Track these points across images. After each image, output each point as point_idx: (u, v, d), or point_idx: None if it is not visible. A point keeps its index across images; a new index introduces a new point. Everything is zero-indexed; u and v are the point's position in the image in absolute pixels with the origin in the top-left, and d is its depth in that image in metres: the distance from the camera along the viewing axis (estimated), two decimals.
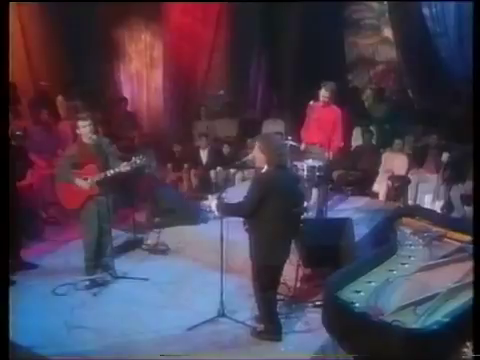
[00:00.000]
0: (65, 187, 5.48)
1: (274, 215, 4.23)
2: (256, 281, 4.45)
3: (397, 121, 9.42)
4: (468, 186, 7.53)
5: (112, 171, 5.49)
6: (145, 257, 6.12)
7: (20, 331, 4.45)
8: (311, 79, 10.35)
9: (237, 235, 5.89)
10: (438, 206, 7.51)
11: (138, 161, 5.49)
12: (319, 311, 4.86)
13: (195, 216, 6.35)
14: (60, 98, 8.68)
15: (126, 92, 10.36)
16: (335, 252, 5.19)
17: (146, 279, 5.51)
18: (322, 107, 6.37)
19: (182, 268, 5.85)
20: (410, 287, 4.21)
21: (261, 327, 4.62)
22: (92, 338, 4.48)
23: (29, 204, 6.65)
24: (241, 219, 4.63)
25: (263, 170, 4.35)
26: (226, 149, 8.88)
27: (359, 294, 4.10)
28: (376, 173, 8.30)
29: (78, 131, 5.46)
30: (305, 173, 6.04)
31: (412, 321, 3.72)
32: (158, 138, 9.53)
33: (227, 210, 4.48)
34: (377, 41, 11.22)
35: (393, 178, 8.05)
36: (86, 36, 9.52)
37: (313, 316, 4.91)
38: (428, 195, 7.75)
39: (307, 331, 4.69)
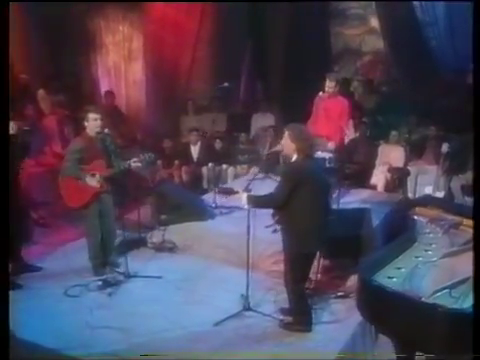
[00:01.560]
0: (70, 184, 5.58)
1: (306, 204, 4.51)
2: (289, 272, 4.72)
3: (390, 113, 9.87)
4: (469, 176, 8.02)
5: (122, 167, 5.65)
6: (152, 256, 6.31)
7: (41, 334, 4.64)
8: (297, 71, 10.87)
9: (251, 230, 6.23)
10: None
11: (147, 158, 5.68)
12: (343, 302, 5.26)
13: (202, 212, 6.57)
14: (42, 92, 8.73)
15: (103, 86, 10.47)
16: (355, 242, 5.52)
17: (159, 277, 5.69)
18: (329, 98, 6.73)
19: (193, 265, 6.07)
20: (439, 272, 4.55)
21: (289, 319, 4.89)
22: (120, 338, 4.65)
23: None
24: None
25: (292, 160, 4.61)
26: (218, 144, 9.10)
27: (392, 280, 4.41)
28: (373, 166, 8.71)
29: (86, 123, 5.58)
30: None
31: (451, 303, 4.05)
32: (145, 134, 9.69)
33: (259, 202, 4.74)
34: (364, 31, 11.69)
35: (392, 170, 8.47)
36: (62, 27, 9.60)
37: (337, 307, 5.25)
38: (428, 187, 8.17)
39: (335, 321, 4.98)
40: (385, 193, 7.96)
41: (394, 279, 4.44)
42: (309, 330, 4.78)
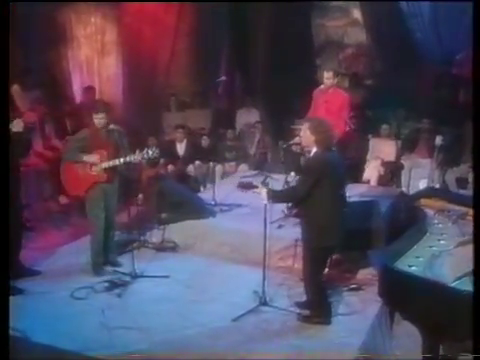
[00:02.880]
0: (71, 170, 5.98)
1: (327, 197, 4.87)
2: (308, 265, 5.06)
3: (377, 106, 10.37)
4: (463, 169, 8.58)
5: (122, 159, 5.94)
6: (154, 256, 6.57)
7: (57, 337, 4.85)
8: (279, 64, 11.28)
9: (253, 227, 6.59)
10: None
11: (150, 152, 5.97)
12: (356, 294, 5.66)
13: (203, 210, 6.87)
14: (16, 88, 8.83)
15: (75, 81, 10.59)
16: (365, 235, 5.93)
17: (167, 276, 5.97)
18: (328, 90, 7.11)
19: (198, 264, 6.38)
20: (456, 260, 4.98)
21: (307, 312, 5.25)
22: (140, 337, 4.90)
23: None
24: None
25: (312, 153, 4.97)
26: (205, 141, 9.39)
27: (412, 268, 4.83)
28: (364, 161, 9.18)
29: (95, 117, 5.93)
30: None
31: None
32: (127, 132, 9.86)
33: (280, 197, 5.11)
34: (346, 23, 12.19)
35: (385, 164, 8.95)
36: (30, 19, 9.69)
37: (352, 299, 5.65)
38: (422, 180, 8.68)
39: (351, 313, 5.37)
40: (382, 187, 8.40)
41: (414, 267, 4.86)
42: (329, 322, 5.15)
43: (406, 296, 4.54)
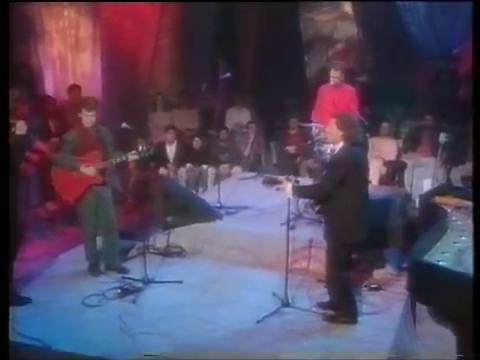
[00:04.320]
0: (63, 175, 6.25)
1: (353, 193, 5.29)
2: (332, 263, 5.47)
3: (374, 104, 10.87)
4: (469, 167, 9.12)
5: (118, 159, 6.31)
6: (162, 261, 6.90)
7: (79, 344, 5.16)
8: (267, 61, 11.73)
9: (262, 229, 7.01)
10: None
11: (145, 149, 6.32)
12: (377, 294, 6.11)
13: (209, 213, 7.23)
14: None
15: (47, 79, 10.78)
16: (381, 234, 6.38)
17: (180, 282, 6.32)
18: (335, 87, 7.57)
19: (209, 268, 6.75)
20: None
21: (331, 312, 5.66)
22: (163, 342, 5.20)
23: None
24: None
25: (338, 148, 5.40)
26: (197, 143, 9.74)
27: (441, 263, 5.31)
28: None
29: (80, 115, 6.21)
30: (328, 157, 7.15)
31: None
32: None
33: (305, 192, 5.54)
34: (336, 17, 12.72)
35: (387, 163, 9.47)
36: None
37: (373, 299, 6.10)
38: (426, 180, 9.21)
39: (376, 313, 5.80)
40: (385, 187, 8.87)
41: (442, 262, 5.34)
42: (355, 321, 5.57)
43: (440, 290, 5.00)
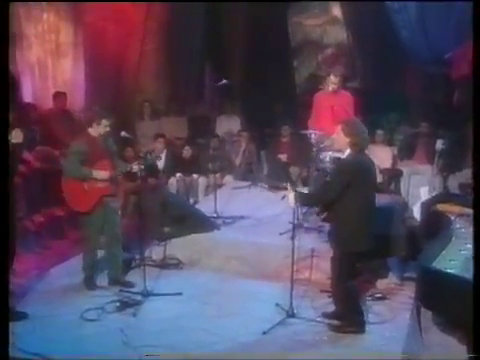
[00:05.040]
0: (75, 186, 6.36)
1: (359, 200, 5.49)
2: (338, 272, 5.66)
3: (367, 111, 11.12)
4: (466, 174, 9.40)
5: (128, 167, 6.55)
6: (159, 273, 7.04)
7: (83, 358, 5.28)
8: (255, 67, 11.96)
9: (261, 239, 7.19)
10: None
11: (148, 157, 6.48)
12: (382, 303, 6.32)
13: (207, 223, 7.39)
14: None
15: (26, 86, 10.82)
16: (383, 243, 6.60)
17: (180, 294, 6.47)
18: (333, 94, 7.80)
19: (208, 280, 6.91)
20: None
21: (337, 322, 5.85)
22: (168, 354, 5.38)
23: None
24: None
25: (345, 154, 5.60)
26: (187, 152, 9.90)
27: (451, 271, 5.53)
28: None
29: (95, 125, 6.35)
30: (328, 165, 7.38)
31: None
32: None
33: (309, 200, 5.71)
34: (325, 21, 12.98)
35: (382, 171, 9.71)
36: None
37: (379, 308, 6.30)
38: (423, 188, 9.44)
39: (382, 322, 6.00)
40: (386, 195, 9.10)
41: (450, 270, 5.56)
42: (362, 331, 5.76)
43: (452, 298, 5.21)
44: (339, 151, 7.22)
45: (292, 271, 6.04)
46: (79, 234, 8.33)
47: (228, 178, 9.91)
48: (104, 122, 6.36)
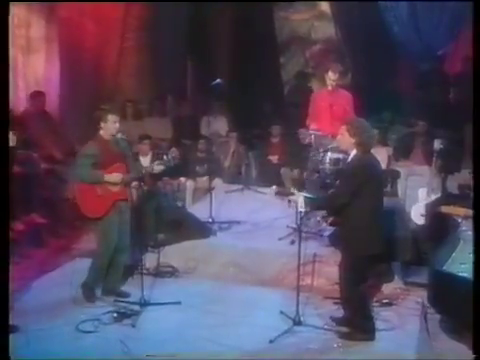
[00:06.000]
0: (88, 191, 6.40)
1: (369, 202, 5.67)
2: (348, 277, 5.83)
3: (359, 109, 11.33)
4: (466, 175, 9.63)
5: (144, 170, 6.68)
6: (153, 282, 7.13)
7: None
8: (241, 64, 12.09)
9: (260, 244, 7.34)
10: None
11: (170, 157, 6.57)
12: (389, 309, 6.51)
13: (203, 229, 7.51)
14: None
15: None
16: (390, 246, 6.79)
17: (179, 303, 6.59)
18: (331, 92, 7.96)
19: (207, 288, 7.05)
20: None
21: (346, 329, 6.02)
22: None
23: None
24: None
25: (352, 156, 5.77)
26: (174, 154, 9.96)
27: (462, 274, 5.75)
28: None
29: (102, 125, 6.42)
30: (327, 167, 7.55)
31: None
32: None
33: (319, 204, 5.89)
34: (313, 16, 13.16)
35: None
36: None
37: (386, 314, 6.49)
38: (421, 189, 9.62)
39: (392, 329, 6.18)
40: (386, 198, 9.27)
41: (462, 274, 5.78)
42: (372, 338, 5.93)
43: (465, 302, 5.40)
44: (340, 152, 7.50)
45: (298, 276, 6.18)
46: (60, 243, 8.59)
47: (217, 181, 9.99)
48: (111, 118, 6.39)
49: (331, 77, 7.90)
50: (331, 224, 6.14)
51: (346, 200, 5.65)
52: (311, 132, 7.77)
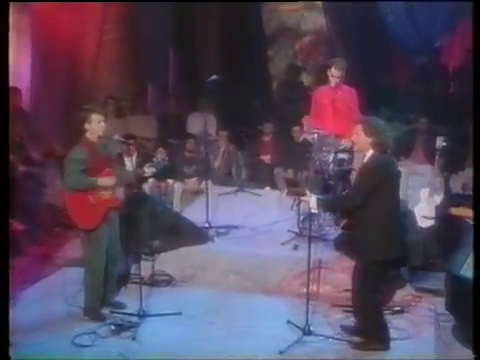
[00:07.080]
0: (79, 200, 6.36)
1: (385, 204, 5.79)
2: (362, 283, 5.95)
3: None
4: (470, 174, 9.80)
5: (140, 173, 6.69)
6: (148, 291, 7.19)
7: None
8: (228, 57, 12.17)
9: (261, 250, 7.44)
10: (439, 200, 9.60)
11: (160, 159, 6.63)
12: (401, 317, 6.65)
13: (200, 234, 7.59)
14: None
15: None
16: (403, 250, 6.92)
17: (179, 313, 6.66)
18: (334, 88, 8.08)
19: (207, 297, 7.14)
20: None
21: (359, 339, 6.15)
22: None
23: None
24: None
25: (368, 156, 5.89)
26: (161, 154, 10.02)
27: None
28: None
29: (87, 126, 6.39)
30: (331, 167, 7.68)
31: None
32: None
33: (332, 206, 5.98)
34: (302, 6, 13.28)
35: None
36: None
37: (399, 322, 6.62)
38: (423, 189, 9.79)
39: (406, 338, 6.32)
40: None
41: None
42: (388, 348, 6.06)
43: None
44: (345, 152, 7.63)
45: (308, 283, 6.28)
46: (42, 250, 8.60)
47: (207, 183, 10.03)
48: (95, 118, 6.34)
49: (334, 73, 7.98)
50: (344, 227, 6.24)
51: (361, 202, 5.76)
52: (314, 131, 7.85)
